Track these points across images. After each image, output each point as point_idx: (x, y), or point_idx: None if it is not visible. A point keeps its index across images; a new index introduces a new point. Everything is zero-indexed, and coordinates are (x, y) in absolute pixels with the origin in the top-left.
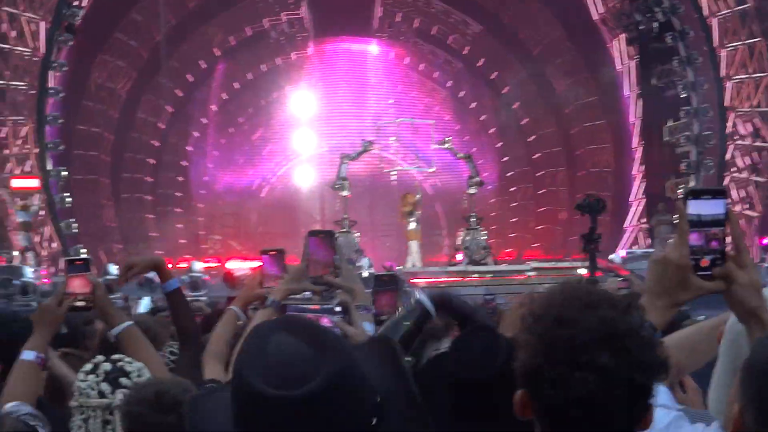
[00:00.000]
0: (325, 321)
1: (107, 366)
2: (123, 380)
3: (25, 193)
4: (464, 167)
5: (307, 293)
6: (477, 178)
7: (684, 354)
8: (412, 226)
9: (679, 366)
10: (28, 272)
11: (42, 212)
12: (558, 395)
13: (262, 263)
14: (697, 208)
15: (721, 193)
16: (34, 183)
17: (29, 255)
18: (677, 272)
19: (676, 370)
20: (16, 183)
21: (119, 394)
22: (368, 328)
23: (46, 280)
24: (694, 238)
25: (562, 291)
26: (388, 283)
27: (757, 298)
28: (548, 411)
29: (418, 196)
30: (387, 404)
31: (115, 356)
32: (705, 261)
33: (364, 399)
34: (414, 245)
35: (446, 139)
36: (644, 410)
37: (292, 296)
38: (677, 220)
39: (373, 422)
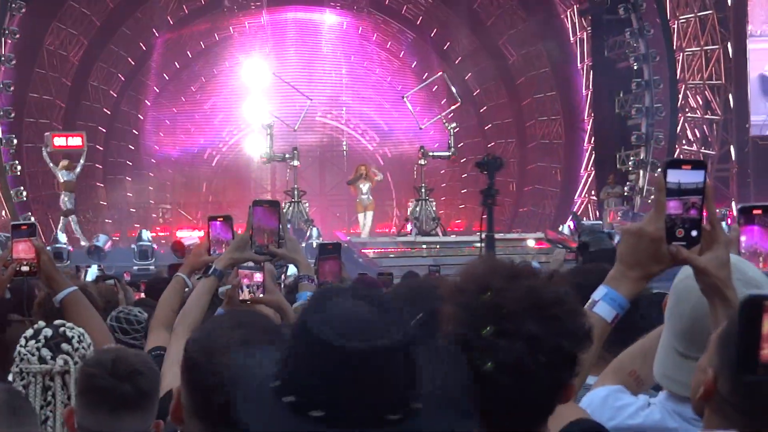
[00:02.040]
0: (258, 276)
1: (48, 332)
2: (64, 346)
3: (67, 152)
4: (416, 137)
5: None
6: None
7: (638, 363)
8: (362, 196)
9: (639, 378)
10: None
11: None
12: (484, 363)
13: (209, 229)
14: (677, 176)
15: (701, 164)
16: (77, 141)
17: (71, 219)
18: (651, 244)
19: (635, 382)
20: (58, 141)
21: (60, 360)
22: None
23: None
24: (673, 206)
25: (485, 262)
26: (332, 251)
27: (725, 275)
28: (477, 379)
29: (378, 177)
30: None
31: (57, 322)
32: (680, 231)
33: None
34: (364, 216)
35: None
36: (569, 379)
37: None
38: (627, 193)
39: None
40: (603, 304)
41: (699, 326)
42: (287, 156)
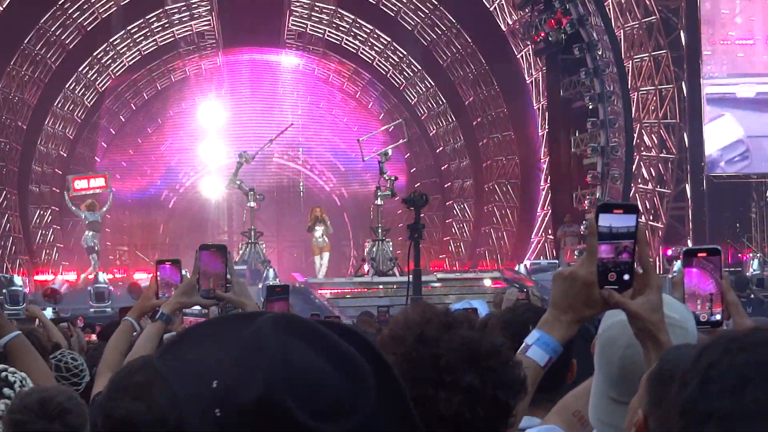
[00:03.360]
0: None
1: None
2: (6, 390)
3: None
4: (372, 178)
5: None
6: (390, 192)
7: (582, 404)
8: (318, 239)
9: (584, 419)
10: None
11: None
12: (423, 414)
13: (158, 273)
14: (608, 221)
15: (633, 208)
16: (99, 182)
17: (94, 257)
18: (584, 288)
19: (580, 422)
20: (79, 184)
21: (1, 405)
22: None
23: None
24: (605, 250)
25: (420, 311)
26: (280, 294)
27: (657, 319)
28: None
29: (326, 225)
30: None
31: None
32: (612, 275)
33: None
34: (320, 258)
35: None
36: (505, 428)
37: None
38: (584, 232)
39: None
40: (536, 348)
41: (630, 372)
42: (250, 191)
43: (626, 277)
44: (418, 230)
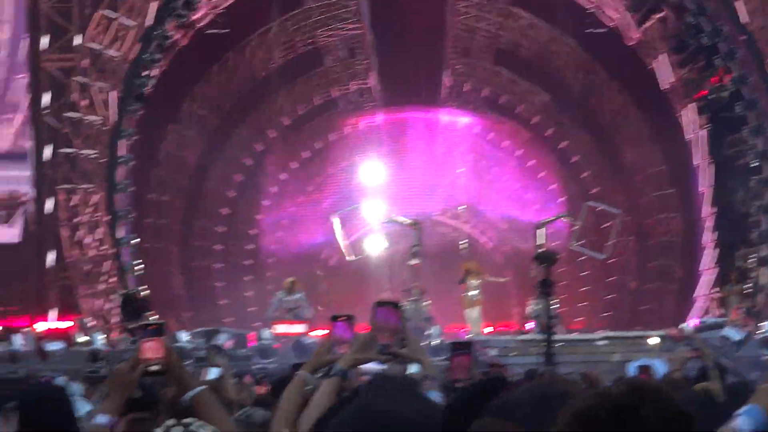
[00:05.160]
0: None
1: (178, 429)
2: None
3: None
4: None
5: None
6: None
7: None
8: (470, 293)
9: None
10: (98, 339)
11: (112, 279)
12: None
13: (331, 329)
14: None
15: None
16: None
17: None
18: None
19: None
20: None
21: None
22: (435, 396)
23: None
24: None
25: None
26: (463, 348)
27: None
28: None
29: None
30: None
31: (186, 420)
32: None
33: None
34: (470, 312)
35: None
36: None
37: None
38: (749, 290)
39: None
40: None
41: None
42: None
43: None
44: (548, 285)
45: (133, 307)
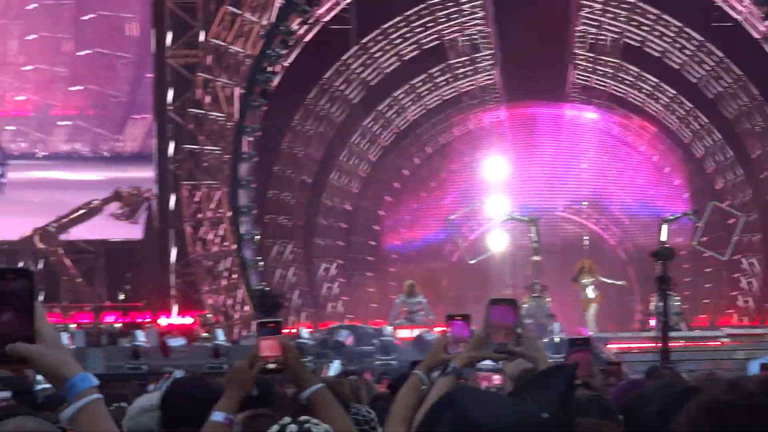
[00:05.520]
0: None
1: (293, 427)
2: None
3: None
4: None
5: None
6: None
7: None
8: (586, 292)
9: None
10: (220, 335)
11: (234, 276)
12: None
13: (448, 328)
14: None
15: None
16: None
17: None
18: None
19: None
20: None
21: None
22: None
23: None
24: None
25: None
26: (581, 345)
27: None
28: None
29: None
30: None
31: (302, 417)
32: None
33: None
34: (588, 310)
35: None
36: None
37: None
38: None
39: None
40: None
41: None
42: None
43: None
44: (665, 283)
45: (269, 303)
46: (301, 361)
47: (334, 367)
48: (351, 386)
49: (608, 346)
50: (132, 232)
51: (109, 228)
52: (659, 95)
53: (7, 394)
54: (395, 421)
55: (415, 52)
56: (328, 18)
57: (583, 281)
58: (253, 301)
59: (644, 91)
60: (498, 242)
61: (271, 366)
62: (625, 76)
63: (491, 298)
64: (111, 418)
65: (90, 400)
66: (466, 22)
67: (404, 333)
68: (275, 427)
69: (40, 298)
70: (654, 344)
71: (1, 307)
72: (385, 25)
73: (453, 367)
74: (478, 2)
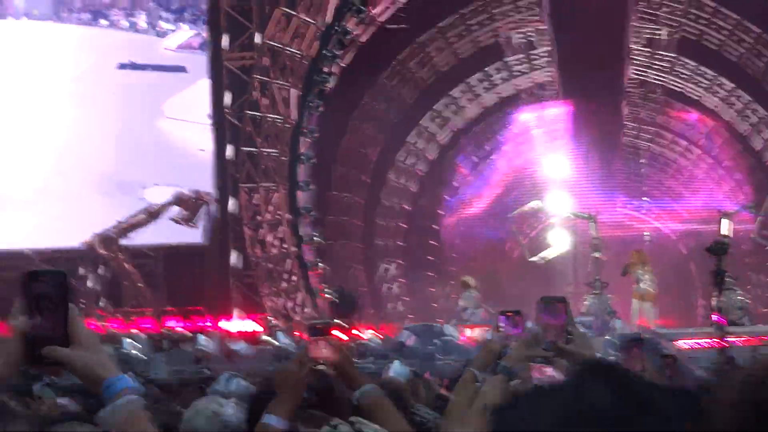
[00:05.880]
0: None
1: (344, 429)
2: None
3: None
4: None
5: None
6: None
7: None
8: (640, 285)
9: None
10: (282, 338)
11: (294, 278)
12: None
13: (500, 324)
14: None
15: None
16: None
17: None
18: None
19: None
20: None
21: None
22: None
23: None
24: None
25: None
26: (634, 342)
27: None
28: None
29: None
30: None
31: (353, 418)
32: None
33: None
34: (637, 305)
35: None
36: None
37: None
38: None
39: None
40: None
41: None
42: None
43: None
44: (720, 278)
45: (345, 304)
46: (352, 361)
47: (394, 368)
48: (411, 387)
49: (666, 342)
50: (192, 236)
51: (169, 232)
52: (717, 89)
53: (65, 401)
54: (452, 421)
55: (472, 49)
56: (384, 17)
57: (637, 273)
58: (332, 298)
59: (702, 85)
60: (559, 239)
61: (322, 367)
62: (682, 71)
63: (542, 297)
64: (150, 420)
65: (127, 400)
66: (522, 19)
67: (468, 332)
68: (326, 428)
69: (102, 303)
70: (711, 339)
71: (35, 309)
72: (441, 24)
73: (503, 365)
74: None
